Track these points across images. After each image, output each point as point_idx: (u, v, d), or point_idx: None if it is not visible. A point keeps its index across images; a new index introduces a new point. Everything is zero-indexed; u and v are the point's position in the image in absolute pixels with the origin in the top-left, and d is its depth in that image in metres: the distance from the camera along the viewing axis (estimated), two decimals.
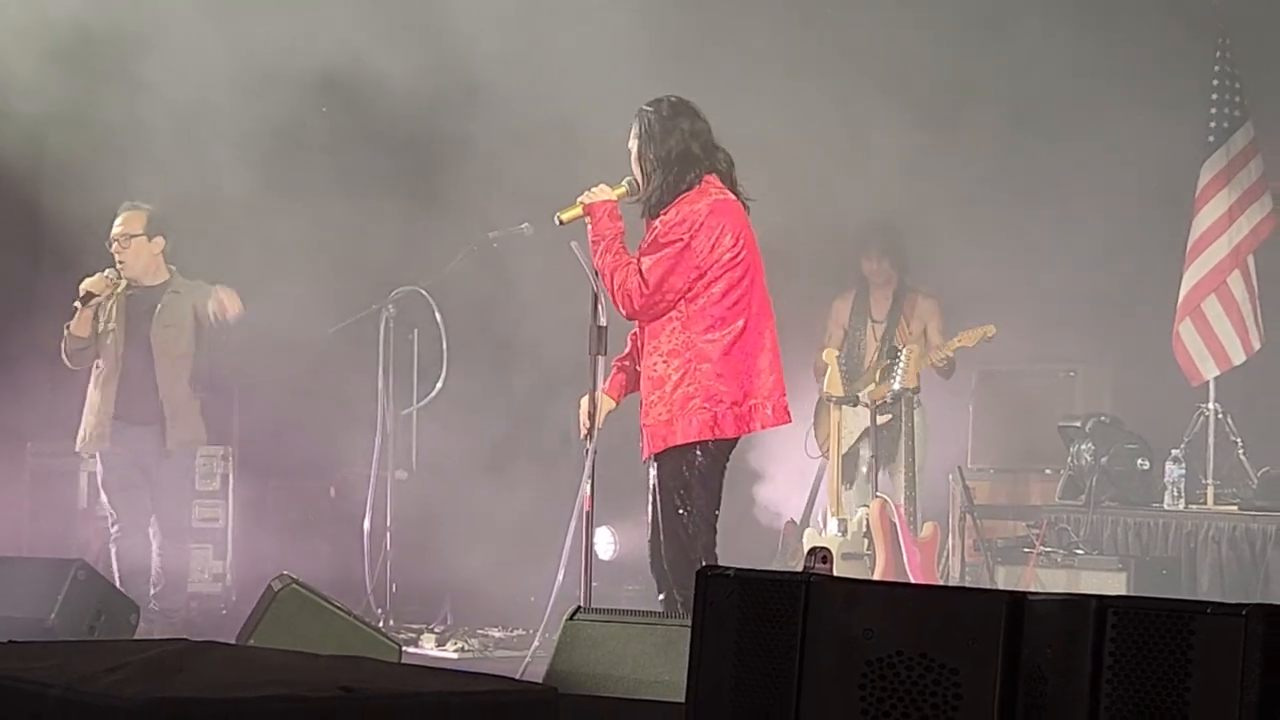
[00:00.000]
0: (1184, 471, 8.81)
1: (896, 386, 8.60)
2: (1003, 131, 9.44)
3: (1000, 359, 10.04)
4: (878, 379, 8.93)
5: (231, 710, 3.57)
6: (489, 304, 9.68)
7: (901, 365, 8.58)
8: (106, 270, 8.36)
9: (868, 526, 8.56)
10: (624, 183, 6.35)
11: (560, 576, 6.44)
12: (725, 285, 6.19)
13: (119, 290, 8.37)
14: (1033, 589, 8.26)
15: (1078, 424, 9.30)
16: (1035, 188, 9.73)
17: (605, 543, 9.90)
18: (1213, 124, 9.17)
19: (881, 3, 9.71)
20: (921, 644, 3.40)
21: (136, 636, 7.09)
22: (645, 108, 6.33)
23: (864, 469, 9.06)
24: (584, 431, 6.40)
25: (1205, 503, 8.89)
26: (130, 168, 8.64)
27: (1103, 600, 3.26)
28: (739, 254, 6.19)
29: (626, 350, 6.49)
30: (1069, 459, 9.26)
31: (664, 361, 6.20)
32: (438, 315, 8.79)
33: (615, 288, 6.20)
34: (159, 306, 8.40)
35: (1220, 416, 9.03)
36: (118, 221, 8.39)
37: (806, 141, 9.12)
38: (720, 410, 6.16)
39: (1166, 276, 9.32)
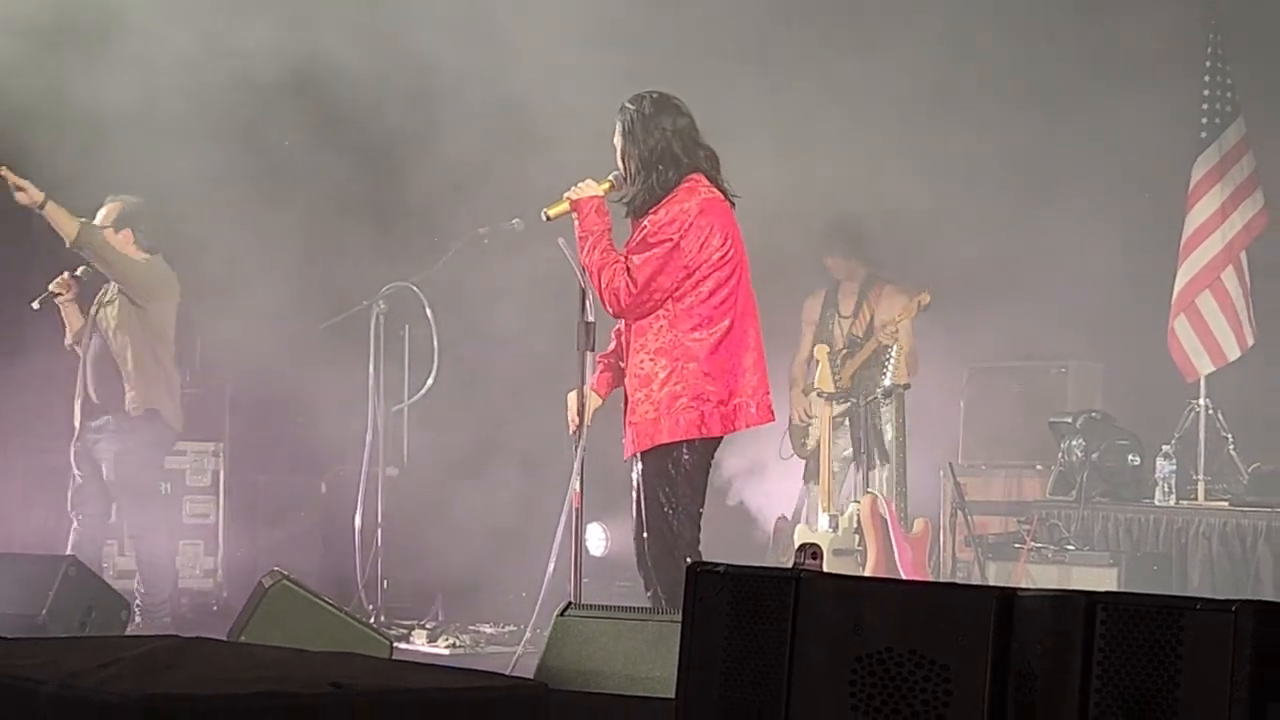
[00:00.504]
0: (1175, 467, 8.82)
1: (887, 382, 8.61)
2: (993, 127, 9.44)
3: (991, 355, 10.05)
4: (842, 375, 8.91)
5: (223, 706, 3.56)
6: (478, 299, 9.67)
7: (892, 361, 8.59)
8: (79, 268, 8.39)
9: (859, 522, 8.56)
10: (610, 177, 6.34)
11: (550, 571, 6.44)
12: (713, 284, 6.18)
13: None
14: (1024, 585, 8.27)
15: (1069, 420, 9.32)
16: (1026, 184, 9.73)
17: (597, 539, 9.91)
18: (1205, 120, 9.18)
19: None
20: (911, 640, 3.40)
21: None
22: (627, 104, 6.29)
23: (854, 465, 9.08)
24: (573, 428, 6.41)
25: (1196, 499, 8.91)
26: (102, 161, 8.59)
27: (1093, 596, 3.26)
28: (727, 253, 6.18)
29: (611, 347, 6.48)
30: (1060, 455, 9.27)
31: (651, 360, 6.20)
32: (428, 311, 8.79)
33: (603, 286, 6.19)
34: (105, 288, 8.41)
35: (1211, 412, 9.04)
36: (99, 214, 8.40)
37: (787, 135, 9.12)
38: (707, 409, 6.16)
39: (1157, 273, 9.33)
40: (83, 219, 8.12)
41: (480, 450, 9.78)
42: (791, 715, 3.53)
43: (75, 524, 8.31)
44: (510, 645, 7.81)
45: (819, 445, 9.02)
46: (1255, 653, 3.07)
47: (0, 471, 9.37)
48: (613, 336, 6.49)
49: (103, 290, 8.42)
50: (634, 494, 6.26)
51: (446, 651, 8.26)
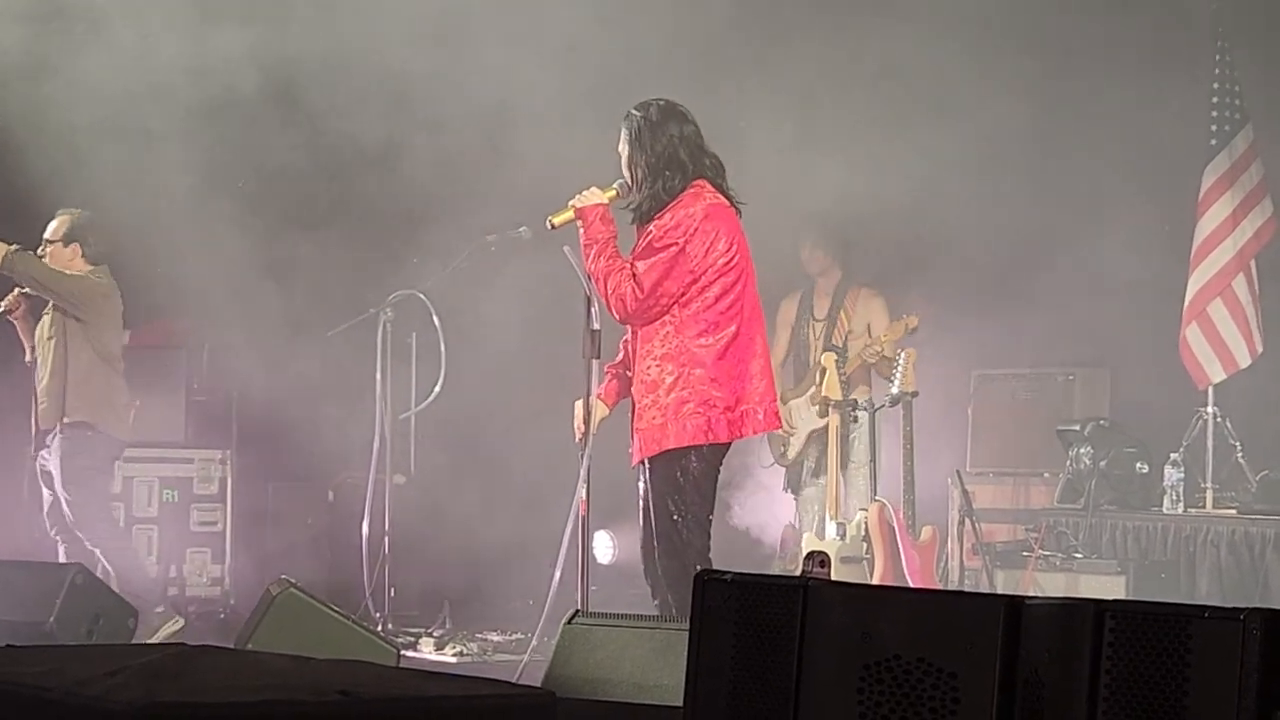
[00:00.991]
0: (1183, 475, 8.81)
1: (895, 390, 8.59)
2: (1002, 133, 9.42)
3: (999, 363, 10.04)
4: (817, 379, 8.87)
5: (229, 714, 3.56)
6: (485, 307, 9.67)
7: (900, 367, 8.57)
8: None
9: (866, 530, 8.55)
10: (614, 185, 6.35)
11: (556, 578, 6.43)
12: (719, 290, 6.18)
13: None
14: (1031, 593, 8.26)
15: (1077, 428, 9.31)
16: (1035, 190, 9.71)
17: (604, 546, 9.90)
18: (1214, 127, 9.18)
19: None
20: (919, 648, 3.40)
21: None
22: (634, 111, 6.31)
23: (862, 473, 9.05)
24: (579, 436, 6.40)
25: (1204, 506, 8.90)
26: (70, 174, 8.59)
27: (1100, 604, 3.26)
28: (733, 259, 6.19)
29: (620, 357, 6.48)
30: (1068, 462, 9.26)
31: (657, 365, 6.20)
32: (435, 318, 8.79)
33: (609, 292, 6.20)
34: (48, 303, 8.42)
35: (1219, 420, 9.03)
36: (49, 228, 8.40)
37: (787, 136, 9.11)
38: (714, 415, 6.16)
39: (1165, 280, 9.31)
40: (14, 244, 8.11)
41: (487, 458, 9.78)
42: None
43: (60, 545, 8.31)
44: (517, 653, 7.80)
45: (800, 454, 9.01)
46: (1263, 661, 3.06)
47: (6, 480, 9.36)
48: (620, 347, 6.49)
49: (47, 304, 8.42)
50: (641, 502, 6.26)
51: (454, 659, 8.26)
